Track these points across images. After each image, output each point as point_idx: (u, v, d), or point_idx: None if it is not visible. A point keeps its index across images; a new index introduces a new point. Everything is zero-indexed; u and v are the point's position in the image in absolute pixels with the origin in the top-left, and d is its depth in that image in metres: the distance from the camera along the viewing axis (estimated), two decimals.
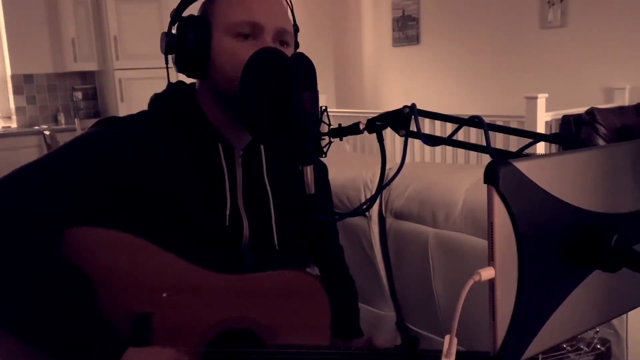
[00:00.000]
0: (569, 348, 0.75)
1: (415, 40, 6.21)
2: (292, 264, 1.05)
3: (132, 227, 0.97)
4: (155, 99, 1.09)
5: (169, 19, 1.05)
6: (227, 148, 1.06)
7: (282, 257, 1.10)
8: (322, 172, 1.22)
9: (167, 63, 1.04)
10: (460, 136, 0.76)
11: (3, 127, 5.26)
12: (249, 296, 0.99)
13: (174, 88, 1.09)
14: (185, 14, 1.05)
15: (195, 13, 1.07)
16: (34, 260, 0.90)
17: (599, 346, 0.75)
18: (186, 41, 1.01)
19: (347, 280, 1.30)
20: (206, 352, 0.97)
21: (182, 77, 1.06)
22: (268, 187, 1.09)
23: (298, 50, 0.99)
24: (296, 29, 1.10)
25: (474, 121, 0.69)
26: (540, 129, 3.80)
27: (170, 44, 1.02)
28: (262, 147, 1.10)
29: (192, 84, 1.11)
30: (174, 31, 1.03)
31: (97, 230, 0.96)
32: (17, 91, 5.32)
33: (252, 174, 1.09)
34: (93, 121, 1.12)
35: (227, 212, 1.04)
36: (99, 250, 0.97)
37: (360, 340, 1.14)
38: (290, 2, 1.08)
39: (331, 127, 0.83)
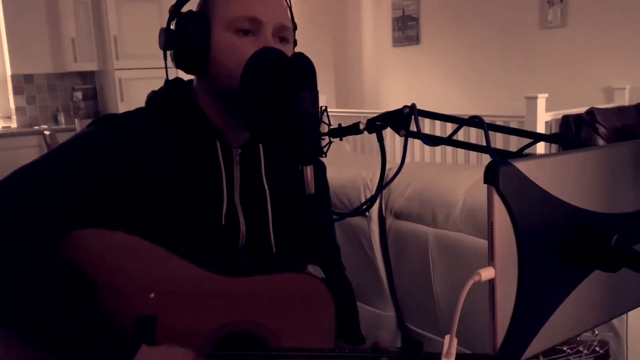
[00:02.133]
0: (568, 350, 0.74)
1: (415, 40, 6.21)
2: (289, 265, 1.04)
3: (132, 226, 0.97)
4: (153, 97, 1.08)
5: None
6: (225, 146, 1.05)
7: (279, 258, 1.09)
8: (320, 171, 1.22)
9: (165, 59, 1.04)
10: (460, 136, 0.76)
11: (3, 127, 5.26)
12: (253, 299, 0.98)
13: (171, 85, 1.08)
14: (185, 10, 1.04)
15: (194, 9, 1.06)
16: (33, 261, 0.89)
17: (597, 349, 0.75)
18: (185, 37, 1.00)
19: (345, 282, 1.29)
20: (211, 356, 0.96)
21: (182, 74, 1.05)
22: (266, 186, 1.09)
23: (298, 50, 0.99)
24: (294, 27, 1.09)
25: (474, 121, 0.69)
26: (540, 129, 3.80)
27: (168, 40, 1.01)
28: (260, 145, 1.10)
29: (190, 81, 1.10)
30: (172, 27, 1.02)
31: (102, 232, 0.96)
32: (17, 91, 5.32)
33: (250, 172, 1.08)
34: None
35: (224, 211, 1.03)
36: (102, 252, 0.96)
37: (365, 346, 1.12)
38: (289, 0, 1.08)
39: (331, 127, 0.83)
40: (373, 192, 1.76)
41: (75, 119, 5.40)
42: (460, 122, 0.74)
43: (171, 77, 1.08)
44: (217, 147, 1.04)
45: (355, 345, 1.17)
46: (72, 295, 0.90)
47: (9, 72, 5.28)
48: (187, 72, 1.05)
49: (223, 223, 1.03)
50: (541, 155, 0.56)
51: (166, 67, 1.04)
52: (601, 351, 0.75)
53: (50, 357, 0.89)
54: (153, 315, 0.95)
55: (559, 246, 0.55)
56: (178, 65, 1.03)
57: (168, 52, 1.03)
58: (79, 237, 0.94)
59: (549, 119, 3.95)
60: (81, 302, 0.90)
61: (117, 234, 0.96)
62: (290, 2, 1.08)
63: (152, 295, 0.95)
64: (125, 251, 0.97)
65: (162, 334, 0.95)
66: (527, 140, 0.71)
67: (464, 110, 4.27)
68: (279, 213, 1.10)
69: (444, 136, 0.73)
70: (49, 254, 0.91)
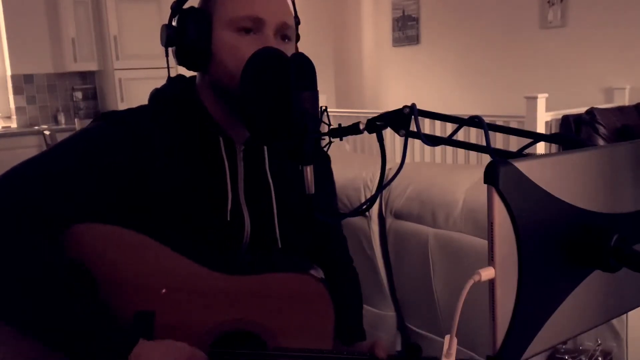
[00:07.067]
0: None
1: (415, 40, 6.21)
2: (294, 262, 1.04)
3: (136, 224, 0.97)
4: (156, 94, 1.08)
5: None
6: (228, 142, 1.05)
7: (284, 255, 1.09)
8: (325, 163, 1.22)
9: (167, 56, 1.03)
10: (460, 136, 0.76)
11: (3, 127, 5.25)
12: (251, 298, 0.98)
13: (174, 82, 1.08)
14: (186, 7, 1.04)
15: (196, 6, 1.05)
16: (35, 256, 0.89)
17: (600, 359, 0.74)
18: (186, 34, 1.00)
19: (352, 274, 1.29)
20: (209, 353, 0.96)
21: (183, 71, 1.05)
22: (270, 182, 1.08)
23: (298, 50, 0.99)
24: (297, 21, 1.08)
25: (474, 121, 0.69)
26: (540, 129, 3.80)
27: (170, 37, 1.01)
28: None
29: (192, 77, 1.10)
30: (174, 23, 1.02)
31: (101, 227, 0.96)
32: (17, 91, 5.32)
33: (254, 168, 1.08)
34: None
35: (229, 207, 1.03)
36: (103, 247, 0.96)
37: (363, 345, 1.12)
38: None
39: (331, 127, 0.83)
40: (373, 192, 1.76)
41: (75, 119, 5.39)
42: (460, 122, 0.74)
43: (173, 74, 1.08)
44: (220, 143, 1.04)
45: (355, 341, 1.17)
46: (73, 290, 0.90)
47: (9, 72, 5.28)
48: (189, 68, 1.04)
49: (228, 219, 1.03)
50: (541, 155, 0.56)
51: (168, 64, 1.03)
52: None
53: (52, 352, 0.89)
54: (151, 311, 0.95)
55: (559, 246, 0.55)
56: (179, 62, 1.03)
57: (170, 49, 1.03)
58: (79, 232, 0.94)
59: (549, 119, 3.95)
60: (82, 296, 0.90)
61: (115, 228, 0.96)
62: None
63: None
64: (124, 246, 0.97)
65: (160, 330, 0.95)
66: (527, 140, 0.71)
67: (464, 110, 4.27)
68: (284, 208, 1.10)
69: (444, 136, 0.73)
70: (50, 249, 0.91)
